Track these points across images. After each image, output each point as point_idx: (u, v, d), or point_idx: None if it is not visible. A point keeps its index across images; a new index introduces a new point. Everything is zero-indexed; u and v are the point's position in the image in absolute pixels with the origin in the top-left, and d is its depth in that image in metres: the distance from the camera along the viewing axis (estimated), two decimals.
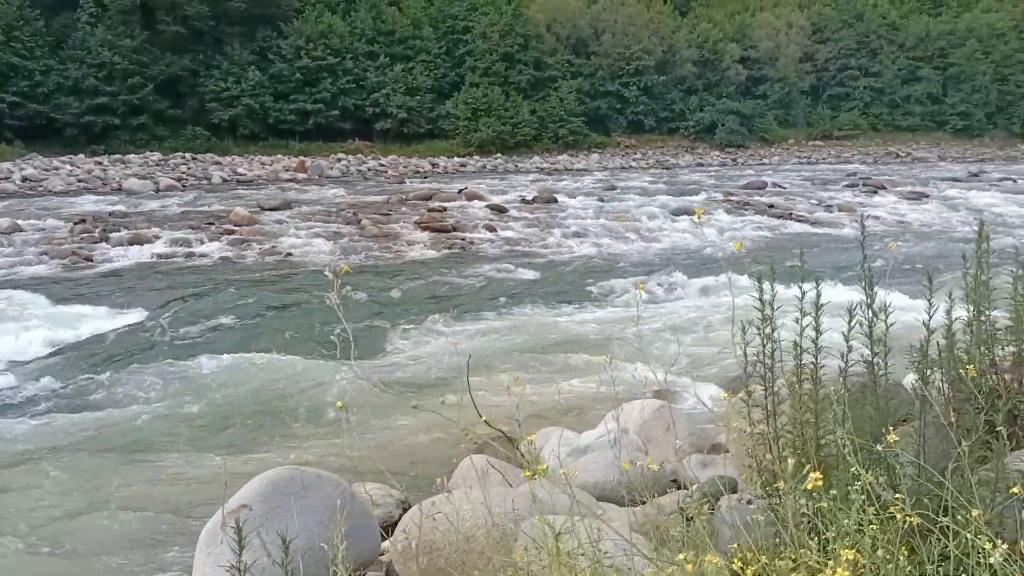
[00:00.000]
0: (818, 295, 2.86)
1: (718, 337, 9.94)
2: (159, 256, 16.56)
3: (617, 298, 13.15)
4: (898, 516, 1.83)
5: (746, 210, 24.86)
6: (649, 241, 19.76)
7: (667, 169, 47.69)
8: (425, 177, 40.03)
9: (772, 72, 62.00)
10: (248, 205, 24.03)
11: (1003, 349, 3.41)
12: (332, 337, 10.31)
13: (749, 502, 3.94)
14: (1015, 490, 2.13)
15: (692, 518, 3.99)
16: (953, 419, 3.01)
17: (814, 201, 27.68)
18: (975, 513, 1.85)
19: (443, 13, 54.93)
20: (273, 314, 11.77)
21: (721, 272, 15.29)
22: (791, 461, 2.25)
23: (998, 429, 2.36)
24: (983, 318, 3.35)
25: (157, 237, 17.92)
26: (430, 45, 53.65)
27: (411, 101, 50.33)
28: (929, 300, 2.73)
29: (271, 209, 23.48)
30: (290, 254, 16.88)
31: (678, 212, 23.84)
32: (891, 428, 2.30)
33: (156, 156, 40.31)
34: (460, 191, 28.94)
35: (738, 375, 3.23)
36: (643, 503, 4.60)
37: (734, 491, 4.55)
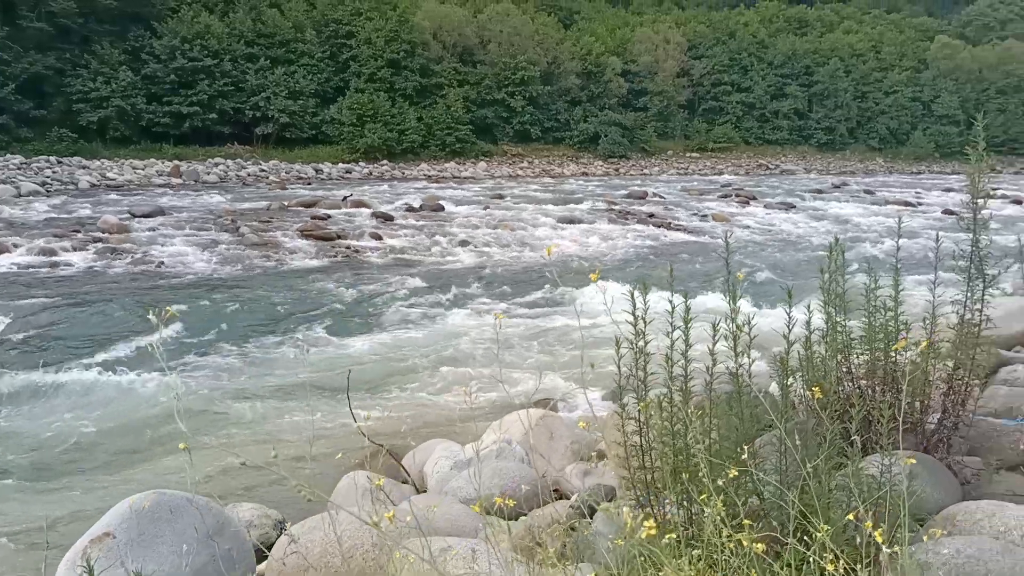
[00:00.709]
0: (687, 309, 2.95)
1: (607, 344, 10.15)
2: (18, 266, 15.47)
3: (500, 306, 13.22)
4: (744, 542, 1.89)
5: (628, 219, 25.54)
6: (535, 249, 19.98)
7: (553, 178, 48.44)
8: (308, 183, 39.13)
9: (652, 86, 64.06)
10: (118, 212, 22.82)
11: (858, 357, 3.61)
12: (210, 353, 9.91)
13: (631, 507, 4.02)
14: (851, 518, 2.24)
15: (575, 528, 4.04)
16: (815, 426, 3.15)
17: (691, 211, 28.72)
18: (821, 532, 1.93)
19: (326, 17, 53.92)
20: (141, 329, 11.19)
21: (609, 279, 15.65)
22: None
23: (852, 438, 2.49)
24: (839, 328, 3.54)
25: (16, 246, 16.73)
26: (313, 49, 52.53)
27: (293, 105, 49.12)
28: (788, 313, 2.85)
29: (143, 216, 22.35)
30: (163, 263, 16.12)
31: (564, 220, 24.26)
32: (751, 441, 2.40)
33: (17, 159, 37.68)
34: (345, 198, 28.45)
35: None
36: (525, 515, 4.62)
37: (612, 499, 4.64)
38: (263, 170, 42.54)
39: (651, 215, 26.54)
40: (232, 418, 7.77)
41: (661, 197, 34.15)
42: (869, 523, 1.99)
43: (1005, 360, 4.81)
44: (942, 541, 2.58)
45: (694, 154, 63.88)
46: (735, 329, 2.77)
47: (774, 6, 79.90)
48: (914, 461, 2.81)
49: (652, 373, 3.22)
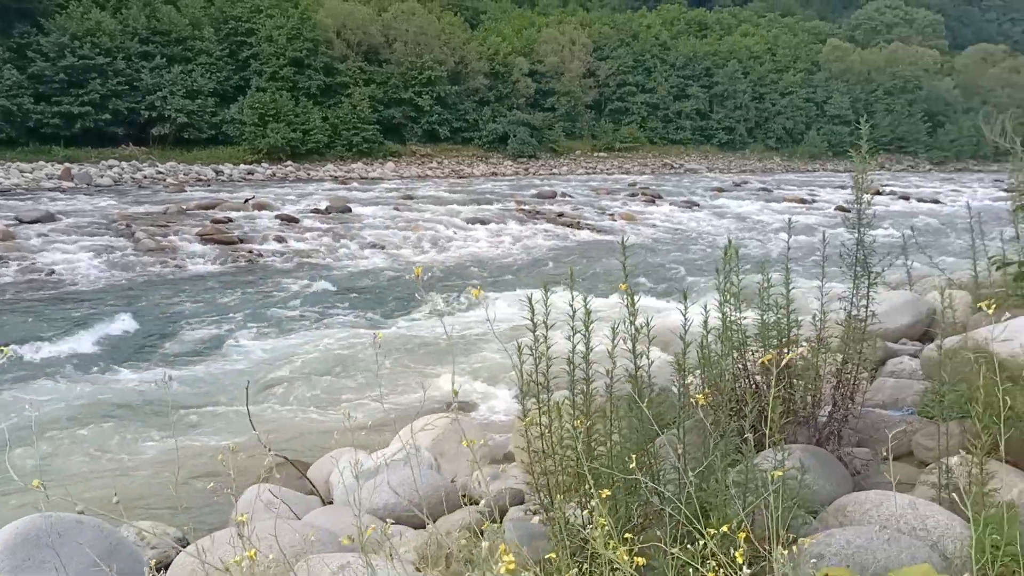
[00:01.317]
0: (587, 312, 2.95)
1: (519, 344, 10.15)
2: None
3: (414, 309, 13.10)
4: (623, 559, 1.89)
5: (538, 219, 25.73)
6: (446, 250, 19.91)
7: (463, 178, 48.37)
8: (209, 185, 37.87)
9: (558, 86, 64.72)
10: (4, 217, 21.56)
11: (753, 354, 3.71)
12: (106, 366, 9.43)
13: (535, 513, 4.01)
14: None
15: (482, 532, 4.00)
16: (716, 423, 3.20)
17: (599, 210, 29.16)
18: (707, 539, 1.95)
19: (225, 14, 52.28)
20: (30, 338, 10.60)
21: (516, 280, 15.72)
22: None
23: (746, 436, 2.54)
24: (734, 327, 3.62)
25: None
26: (211, 47, 50.84)
27: (191, 105, 47.42)
28: (683, 314, 2.89)
29: (32, 222, 21.18)
30: (53, 271, 15.31)
31: (473, 221, 24.24)
32: (652, 441, 2.42)
33: None
34: (247, 200, 27.67)
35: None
36: (434, 522, 4.57)
37: (522, 502, 4.64)
38: (160, 172, 40.94)
39: (560, 214, 26.81)
40: (133, 433, 7.43)
41: (570, 197, 34.55)
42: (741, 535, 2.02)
43: (892, 352, 5.04)
44: (833, 532, 2.67)
45: (602, 154, 64.89)
46: (633, 331, 2.79)
47: (675, 9, 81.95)
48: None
49: (554, 377, 3.22)
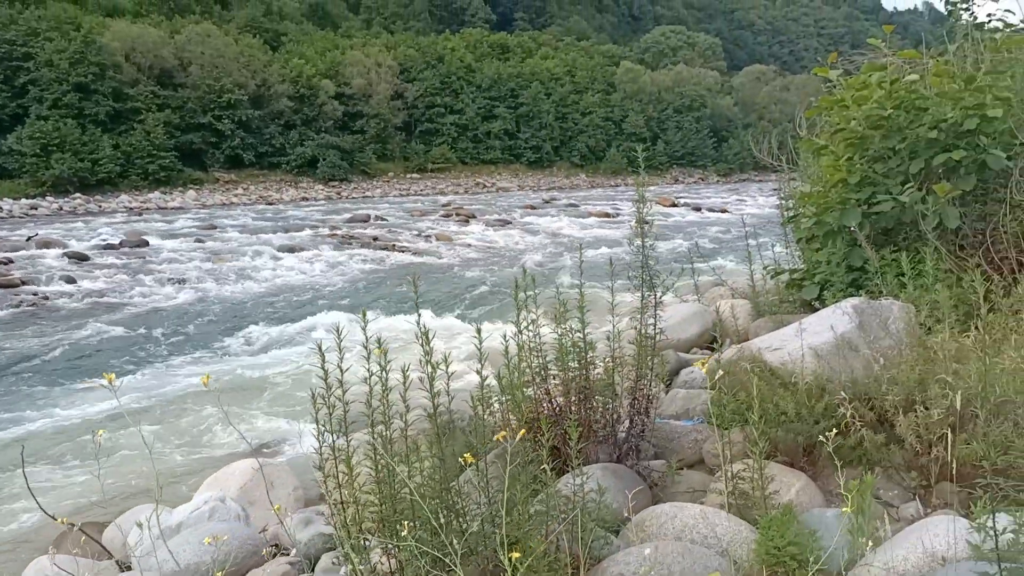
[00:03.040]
0: (384, 352, 2.89)
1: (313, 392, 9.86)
2: None
3: (221, 348, 12.43)
4: None
5: (351, 244, 25.30)
6: (255, 281, 19.09)
7: (271, 204, 46.76)
8: None
9: (367, 108, 64.28)
10: None
11: (553, 379, 3.79)
12: None
13: (342, 563, 3.88)
14: None
15: None
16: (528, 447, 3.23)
17: (414, 231, 29.14)
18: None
19: None
20: None
21: (330, 309, 15.34)
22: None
23: (542, 468, 2.57)
24: (534, 352, 3.69)
25: None
26: None
27: None
28: (479, 348, 2.90)
29: None
30: None
31: (283, 249, 23.45)
32: (457, 477, 2.40)
33: None
34: (30, 238, 25.29)
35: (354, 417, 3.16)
36: None
37: (334, 548, 4.48)
38: None
39: (375, 238, 26.53)
40: None
41: (384, 219, 34.28)
42: None
43: (684, 362, 5.35)
44: (632, 551, 2.76)
45: (415, 175, 65.05)
46: (430, 369, 2.77)
47: (478, 32, 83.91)
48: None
49: (353, 421, 3.13)
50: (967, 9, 8.76)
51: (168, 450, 7.89)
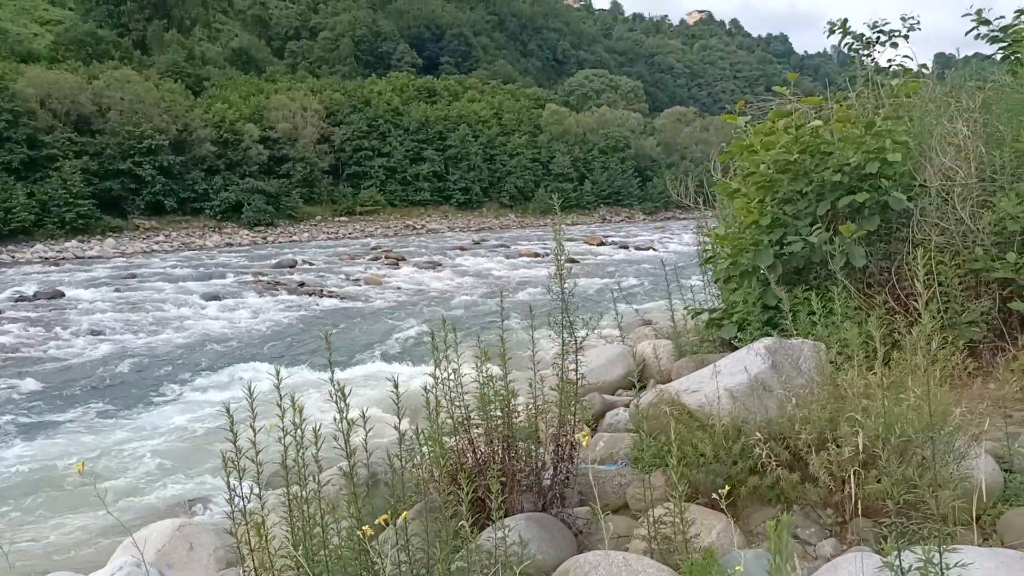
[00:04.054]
0: (298, 411, 2.83)
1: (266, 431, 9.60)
2: None
3: (140, 402, 12.00)
4: None
5: (277, 290, 24.87)
6: (177, 331, 18.54)
7: (194, 251, 45.70)
8: None
9: (293, 152, 63.72)
10: None
11: (476, 427, 3.77)
12: None
13: None
14: None
15: None
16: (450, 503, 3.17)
17: (343, 276, 28.83)
18: None
19: None
20: None
21: (253, 359, 14.99)
22: None
23: (461, 525, 2.54)
24: (457, 403, 3.66)
25: None
26: None
27: None
28: (396, 402, 2.87)
29: None
30: None
31: (206, 297, 22.90)
32: (377, 536, 2.35)
33: None
34: None
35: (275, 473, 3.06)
36: None
37: None
38: None
39: (302, 283, 26.15)
40: None
41: (311, 264, 33.86)
42: None
43: (610, 404, 5.39)
44: None
45: (343, 218, 64.54)
46: (345, 426, 2.71)
47: (404, 76, 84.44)
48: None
49: (272, 474, 3.05)
50: (868, 55, 9.23)
51: (84, 510, 7.53)
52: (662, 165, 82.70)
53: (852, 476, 3.10)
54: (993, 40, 8.12)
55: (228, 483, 2.70)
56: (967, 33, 8.16)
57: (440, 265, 32.32)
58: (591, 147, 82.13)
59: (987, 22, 8.11)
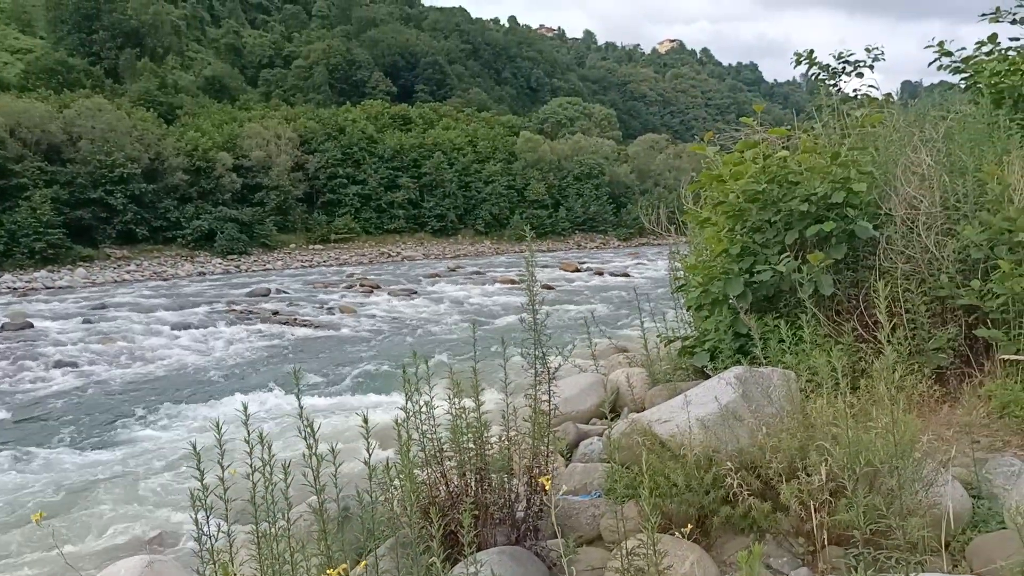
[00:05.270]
0: (268, 447, 2.80)
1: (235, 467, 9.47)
2: None
3: (110, 435, 11.81)
4: None
5: (251, 319, 24.65)
6: (149, 362, 18.30)
7: (166, 280, 45.23)
8: None
9: (267, 180, 63.48)
10: None
11: (449, 460, 3.75)
12: None
13: None
14: None
15: None
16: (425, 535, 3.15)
17: (317, 304, 28.65)
18: None
19: None
20: None
21: (225, 390, 14.83)
22: None
23: (433, 560, 2.52)
24: (428, 437, 3.64)
25: None
26: None
27: None
28: (367, 439, 2.85)
29: None
30: None
31: (178, 327, 22.64)
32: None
33: None
34: None
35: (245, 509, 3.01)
36: None
37: None
38: None
39: (275, 312, 25.94)
40: None
41: (286, 292, 33.63)
42: None
43: (584, 433, 5.38)
44: None
45: (317, 246, 64.26)
46: (315, 463, 2.69)
47: (379, 104, 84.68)
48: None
49: (241, 510, 3.01)
50: (834, 85, 9.43)
51: (53, 546, 7.36)
52: (636, 191, 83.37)
53: (822, 505, 3.12)
54: (955, 71, 8.34)
55: (196, 520, 2.66)
56: (930, 64, 8.36)
57: (415, 293, 32.23)
58: (566, 174, 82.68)
59: (949, 53, 8.33)
